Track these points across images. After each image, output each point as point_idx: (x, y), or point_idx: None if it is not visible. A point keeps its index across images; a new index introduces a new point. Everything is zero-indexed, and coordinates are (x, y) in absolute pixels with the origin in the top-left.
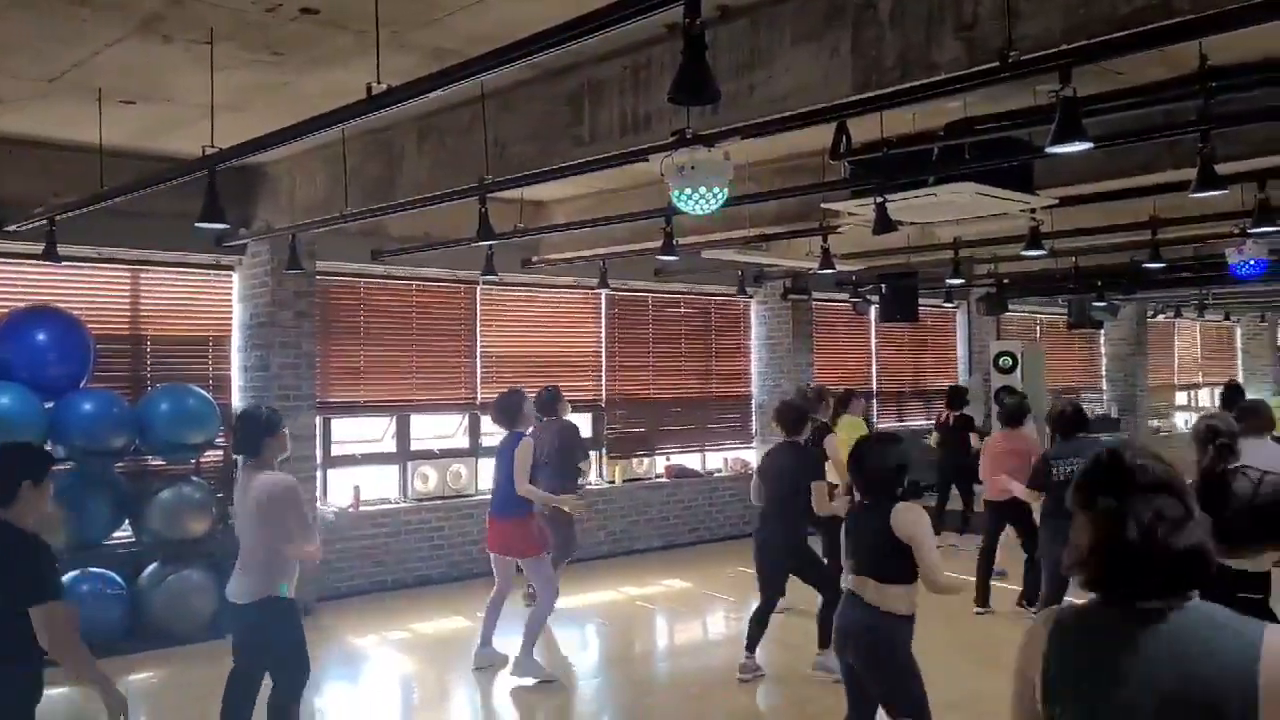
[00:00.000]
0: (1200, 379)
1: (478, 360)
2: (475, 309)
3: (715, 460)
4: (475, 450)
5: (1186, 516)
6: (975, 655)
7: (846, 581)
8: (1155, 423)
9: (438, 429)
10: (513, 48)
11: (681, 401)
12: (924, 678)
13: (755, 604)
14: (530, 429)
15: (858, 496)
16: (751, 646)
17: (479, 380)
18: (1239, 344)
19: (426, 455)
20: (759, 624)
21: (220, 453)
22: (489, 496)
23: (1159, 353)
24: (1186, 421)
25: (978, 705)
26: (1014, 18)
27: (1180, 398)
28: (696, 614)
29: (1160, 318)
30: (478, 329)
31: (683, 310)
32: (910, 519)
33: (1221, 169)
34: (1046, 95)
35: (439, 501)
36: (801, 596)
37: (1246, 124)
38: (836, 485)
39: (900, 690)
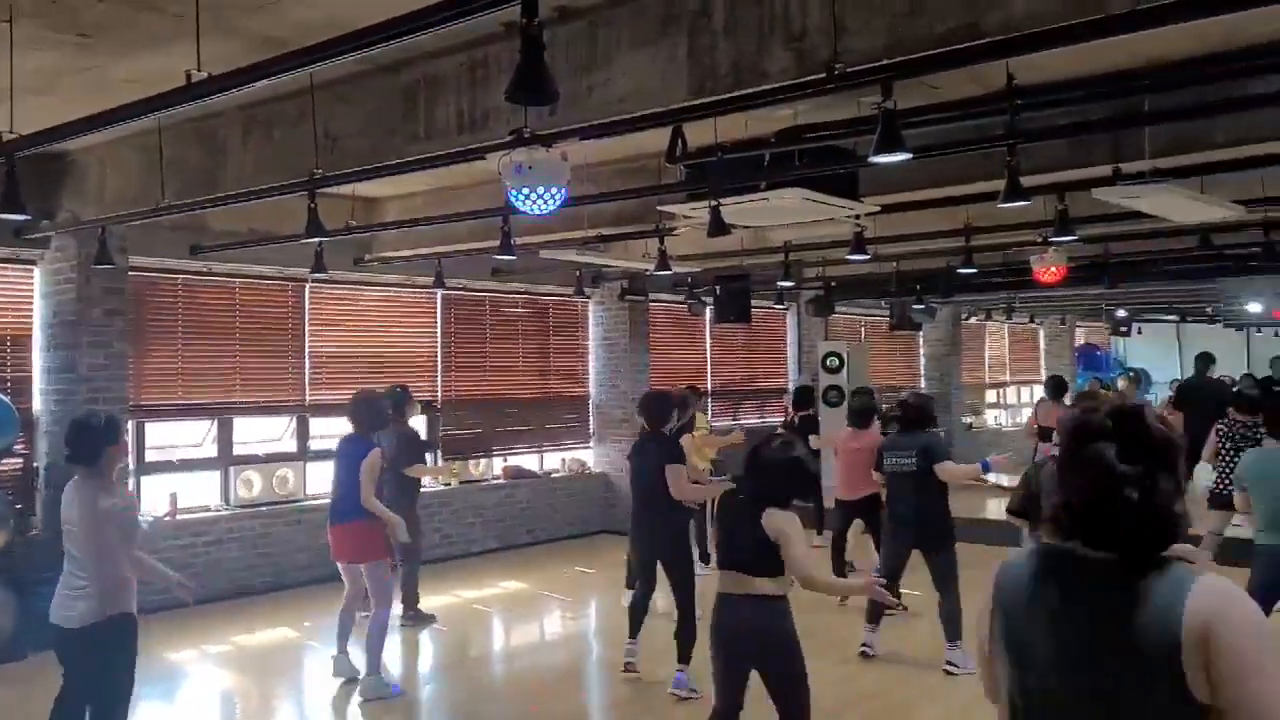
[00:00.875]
0: (1008, 378)
1: (306, 361)
2: (304, 308)
3: (553, 461)
4: (304, 454)
5: (1178, 487)
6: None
7: (716, 581)
8: (968, 419)
9: (264, 432)
10: (345, 39)
11: (519, 402)
12: None
13: (625, 597)
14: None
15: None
16: (634, 632)
17: (307, 382)
18: (1042, 345)
19: (250, 460)
20: (640, 610)
21: (20, 460)
22: (319, 501)
23: (971, 353)
24: (996, 418)
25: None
26: (840, 32)
27: (991, 395)
28: (534, 616)
29: (973, 320)
30: (306, 329)
31: (520, 310)
32: (782, 517)
33: (1026, 181)
34: (870, 107)
35: (264, 508)
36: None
37: (1048, 140)
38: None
39: (798, 674)
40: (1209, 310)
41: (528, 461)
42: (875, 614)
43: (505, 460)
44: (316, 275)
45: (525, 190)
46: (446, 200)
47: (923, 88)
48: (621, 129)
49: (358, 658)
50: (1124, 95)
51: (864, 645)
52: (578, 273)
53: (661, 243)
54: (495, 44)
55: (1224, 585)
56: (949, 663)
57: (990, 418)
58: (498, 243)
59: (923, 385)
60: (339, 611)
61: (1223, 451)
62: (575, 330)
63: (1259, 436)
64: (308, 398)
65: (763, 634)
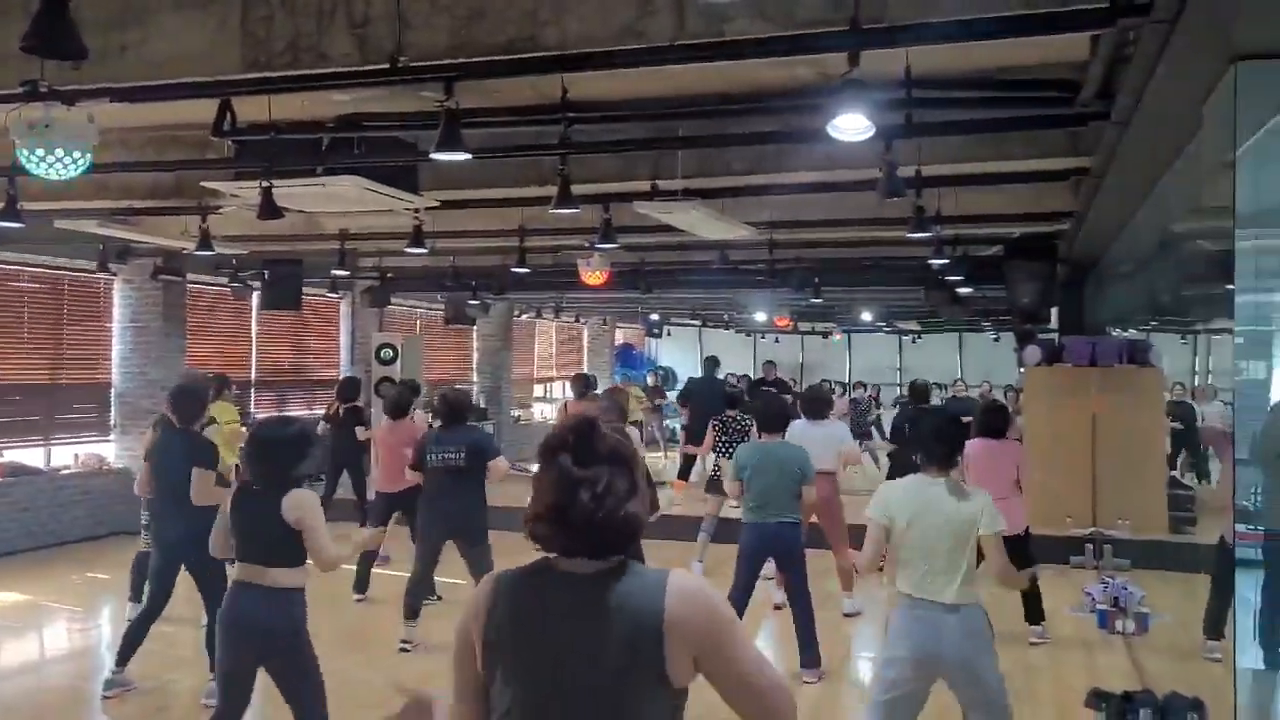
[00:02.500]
0: (554, 373)
1: None
2: None
3: (63, 456)
4: None
5: (633, 489)
6: (343, 639)
7: (233, 571)
8: (517, 412)
9: None
10: None
11: (22, 389)
12: None
13: (131, 610)
14: None
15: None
16: (122, 660)
17: None
18: (586, 343)
19: None
20: (141, 632)
21: None
22: None
23: (522, 349)
24: (543, 412)
25: (341, 690)
26: (404, 25)
27: (539, 390)
28: (34, 629)
29: (524, 317)
30: None
31: (27, 284)
32: (299, 502)
33: (577, 190)
34: (433, 103)
35: None
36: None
37: (597, 153)
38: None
39: (306, 669)
40: (725, 317)
41: (31, 457)
42: (414, 610)
43: (1, 455)
44: None
45: (41, 151)
46: None
47: (484, 90)
48: (161, 95)
49: None
50: (663, 119)
51: (404, 641)
52: (101, 246)
53: (204, 220)
54: None
55: (693, 581)
56: None
57: (538, 411)
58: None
59: (475, 379)
60: None
61: (718, 444)
62: (97, 310)
63: (748, 429)
64: None
65: (270, 628)
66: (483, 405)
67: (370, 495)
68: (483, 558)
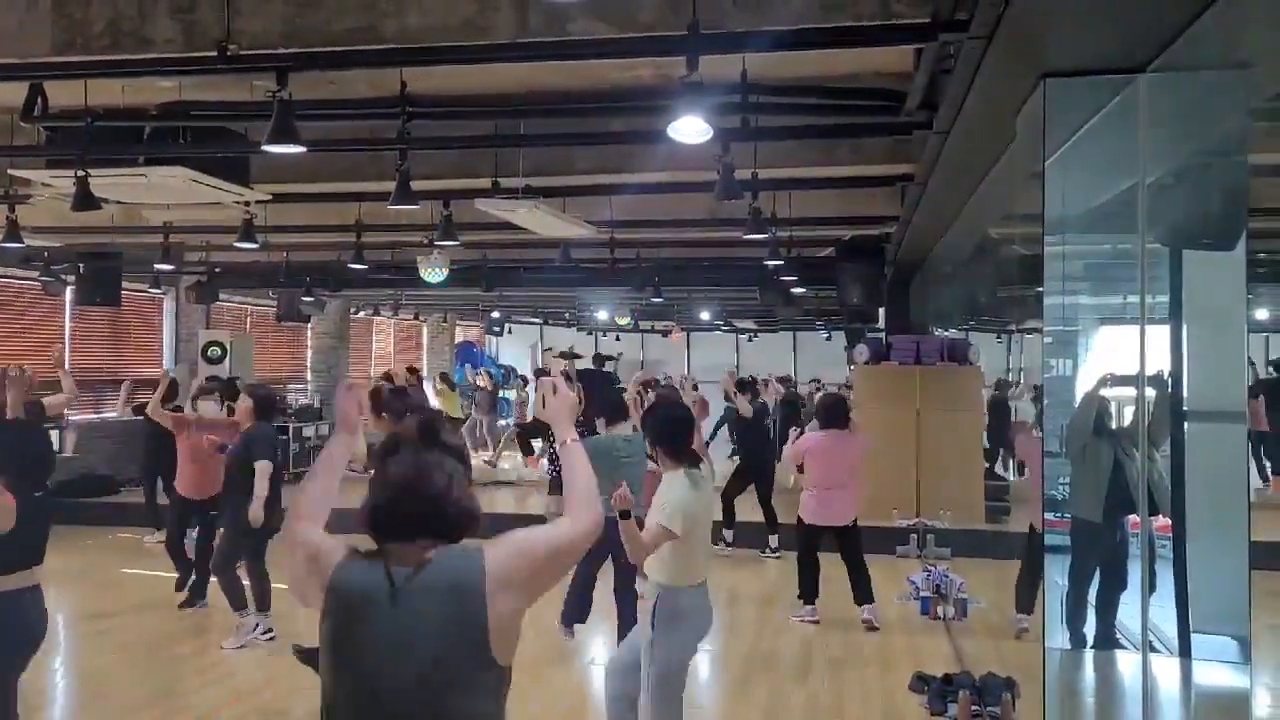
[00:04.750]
0: (392, 371)
1: None
2: None
3: None
4: None
5: (469, 481)
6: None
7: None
8: None
9: None
10: None
11: None
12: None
13: None
14: None
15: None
16: None
17: None
18: (425, 341)
19: None
20: None
21: None
22: None
23: (359, 347)
24: None
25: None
26: (234, 12)
27: None
28: None
29: (361, 314)
30: None
31: None
32: None
33: (416, 186)
34: (265, 93)
35: None
36: None
37: (437, 149)
38: None
39: None
40: (566, 315)
41: None
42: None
43: None
44: None
45: None
46: None
47: (321, 81)
48: None
49: None
50: (506, 117)
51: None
52: None
53: (12, 211)
54: None
55: (503, 540)
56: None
57: None
58: None
59: (310, 378)
60: None
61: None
62: None
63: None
64: None
65: None
66: (317, 405)
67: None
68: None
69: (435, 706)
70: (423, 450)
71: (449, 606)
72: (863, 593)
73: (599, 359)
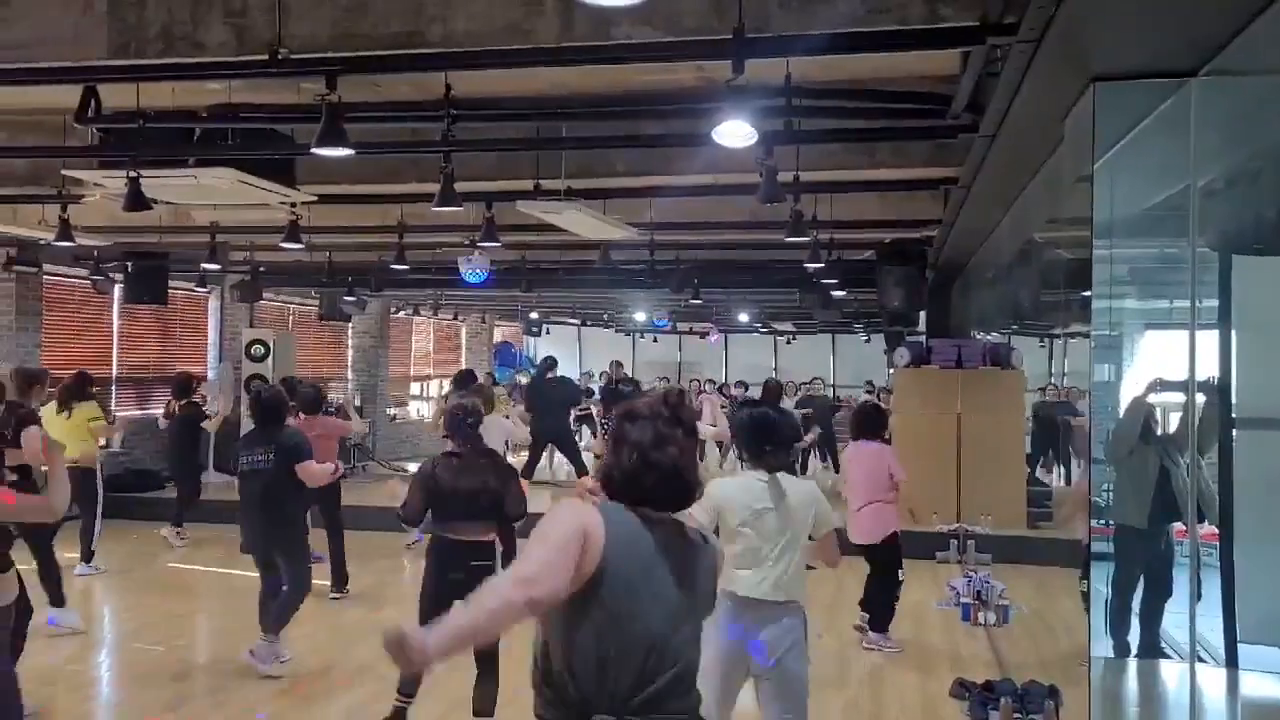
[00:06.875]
0: (431, 371)
1: None
2: None
3: None
4: None
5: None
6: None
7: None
8: (393, 411)
9: None
10: None
11: None
12: None
13: None
14: None
15: None
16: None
17: None
18: (464, 341)
19: None
20: None
21: None
22: None
23: (398, 346)
24: (419, 410)
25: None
26: (284, 15)
27: (415, 388)
28: None
29: (401, 314)
30: None
31: None
32: None
33: (459, 188)
34: (313, 95)
35: None
36: None
37: (480, 151)
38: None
39: None
40: (605, 317)
41: None
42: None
43: None
44: None
45: None
46: None
47: (365, 84)
48: (22, 79)
49: None
50: (547, 119)
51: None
52: None
53: (64, 210)
54: None
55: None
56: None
57: (414, 410)
58: None
59: (351, 377)
60: None
61: None
62: None
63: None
64: None
65: None
66: (358, 404)
67: None
68: (299, 575)
69: (692, 642)
70: (660, 421)
71: (707, 559)
72: (874, 619)
73: (610, 387)
